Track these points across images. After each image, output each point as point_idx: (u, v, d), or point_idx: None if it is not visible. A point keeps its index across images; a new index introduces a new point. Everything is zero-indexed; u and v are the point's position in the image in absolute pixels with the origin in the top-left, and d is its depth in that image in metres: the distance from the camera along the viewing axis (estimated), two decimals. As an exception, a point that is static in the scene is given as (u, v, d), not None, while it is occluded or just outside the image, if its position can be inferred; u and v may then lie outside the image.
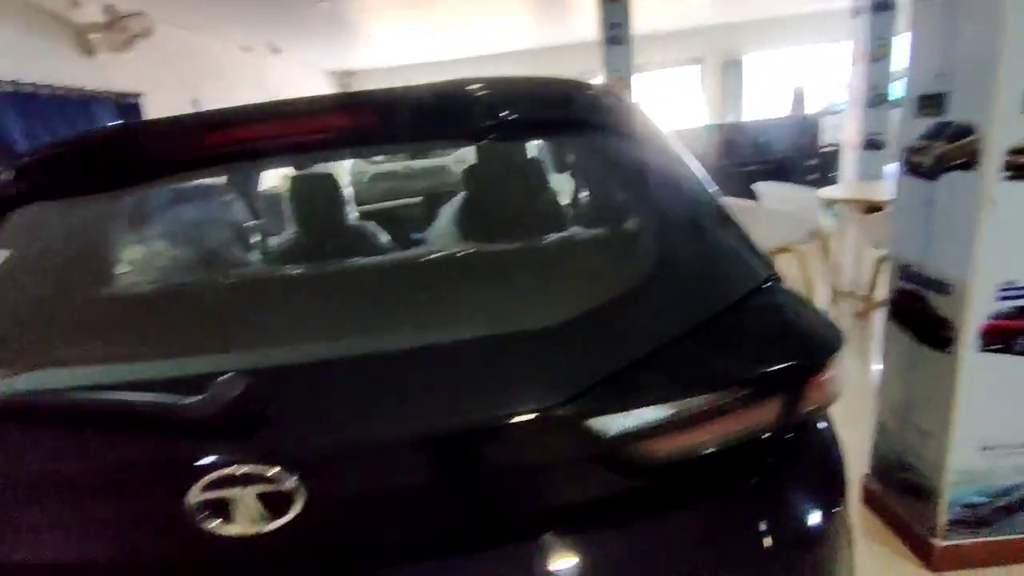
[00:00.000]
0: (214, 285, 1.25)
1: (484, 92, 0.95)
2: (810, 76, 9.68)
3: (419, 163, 5.09)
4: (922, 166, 1.63)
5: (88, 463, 0.71)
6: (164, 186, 1.29)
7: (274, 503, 0.67)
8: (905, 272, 1.75)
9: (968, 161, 1.47)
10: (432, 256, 1.31)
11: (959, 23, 1.46)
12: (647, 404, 0.70)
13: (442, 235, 1.79)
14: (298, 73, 9.04)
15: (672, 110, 10.42)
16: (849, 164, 6.57)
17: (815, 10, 9.46)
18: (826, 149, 7.42)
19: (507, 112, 0.94)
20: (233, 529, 0.67)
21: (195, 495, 0.66)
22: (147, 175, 0.96)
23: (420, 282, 1.09)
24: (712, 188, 0.96)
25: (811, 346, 0.79)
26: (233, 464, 0.66)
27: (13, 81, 3.71)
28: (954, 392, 1.61)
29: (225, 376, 0.68)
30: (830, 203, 4.56)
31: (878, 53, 5.85)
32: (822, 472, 0.85)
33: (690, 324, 0.77)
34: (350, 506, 0.72)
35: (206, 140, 0.92)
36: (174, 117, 0.99)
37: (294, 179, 1.79)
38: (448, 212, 2.02)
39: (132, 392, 0.71)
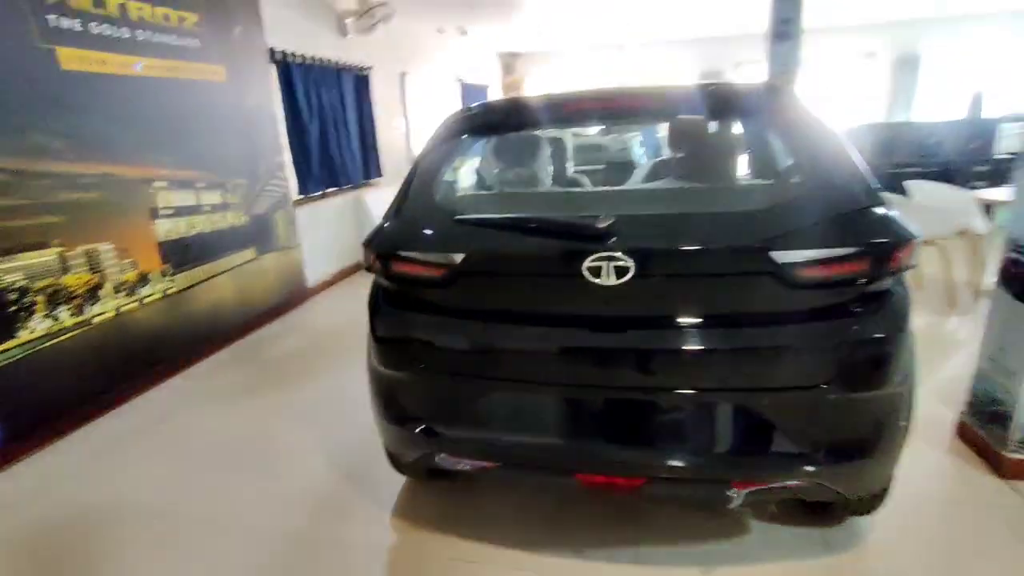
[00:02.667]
0: (562, 185, 2.39)
1: (713, 90, 1.73)
2: (994, 79, 9.06)
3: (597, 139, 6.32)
4: (1036, 161, 2.11)
5: (543, 249, 1.59)
6: (539, 133, 2.28)
7: (620, 271, 1.50)
8: (1015, 245, 2.24)
9: (1070, 158, 1.96)
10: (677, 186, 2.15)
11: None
12: (801, 248, 1.44)
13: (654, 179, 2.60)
14: (473, 52, 10.16)
15: (840, 105, 10.22)
16: None
17: (1009, 8, 8.81)
18: (1001, 156, 7.11)
19: (724, 103, 1.71)
20: (601, 281, 1.52)
21: (586, 264, 1.51)
22: (537, 125, 1.87)
23: (676, 193, 1.95)
24: (850, 150, 1.64)
25: (898, 235, 1.46)
26: (604, 251, 1.50)
27: (301, 55, 5.01)
28: (1038, 337, 2.11)
29: (602, 217, 1.53)
30: (988, 205, 4.68)
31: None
32: (899, 309, 1.53)
33: (832, 215, 1.48)
34: (650, 278, 1.53)
35: (565, 108, 1.78)
36: (549, 94, 1.87)
37: (543, 138, 2.67)
38: (645, 171, 2.81)
39: (564, 220, 1.61)
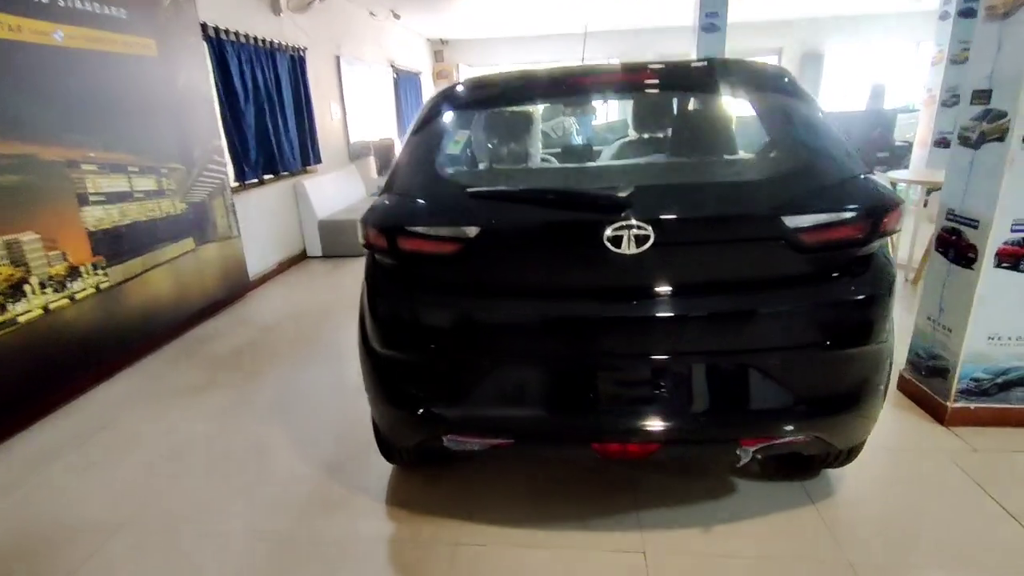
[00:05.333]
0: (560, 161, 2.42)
1: (717, 65, 1.79)
2: (889, 74, 9.98)
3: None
4: (969, 139, 2.35)
5: (563, 220, 1.60)
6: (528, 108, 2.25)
7: (640, 240, 1.52)
8: (950, 214, 2.48)
9: (1000, 136, 2.20)
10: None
11: (1003, 44, 2.18)
12: (808, 213, 1.53)
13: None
14: (405, 37, 9.92)
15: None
16: (918, 159, 7.04)
17: (899, 10, 9.72)
18: (899, 144, 7.86)
19: (725, 79, 1.78)
20: (621, 251, 1.53)
21: (607, 233, 1.52)
22: (539, 98, 1.85)
23: (680, 167, 2.01)
24: (834, 125, 1.77)
25: (890, 199, 1.58)
26: (624, 220, 1.52)
27: (235, 32, 4.69)
28: (972, 297, 2.35)
29: (622, 186, 1.55)
30: (895, 185, 5.16)
31: (959, 56, 6.30)
32: (887, 271, 1.66)
33: (830, 183, 1.59)
34: (668, 246, 1.56)
35: (569, 81, 1.78)
36: (552, 68, 1.86)
37: (534, 114, 2.64)
38: (613, 151, 2.87)
39: (585, 190, 1.63)
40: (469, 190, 1.68)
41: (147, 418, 2.87)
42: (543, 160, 2.75)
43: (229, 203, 4.49)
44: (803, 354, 1.62)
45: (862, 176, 1.64)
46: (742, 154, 2.11)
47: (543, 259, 1.65)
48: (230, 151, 4.67)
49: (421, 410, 1.76)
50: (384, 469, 2.35)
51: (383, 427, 1.98)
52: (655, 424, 1.66)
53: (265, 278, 5.18)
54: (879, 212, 1.56)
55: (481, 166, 2.23)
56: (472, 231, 1.61)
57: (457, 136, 1.89)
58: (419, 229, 1.67)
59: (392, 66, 9.05)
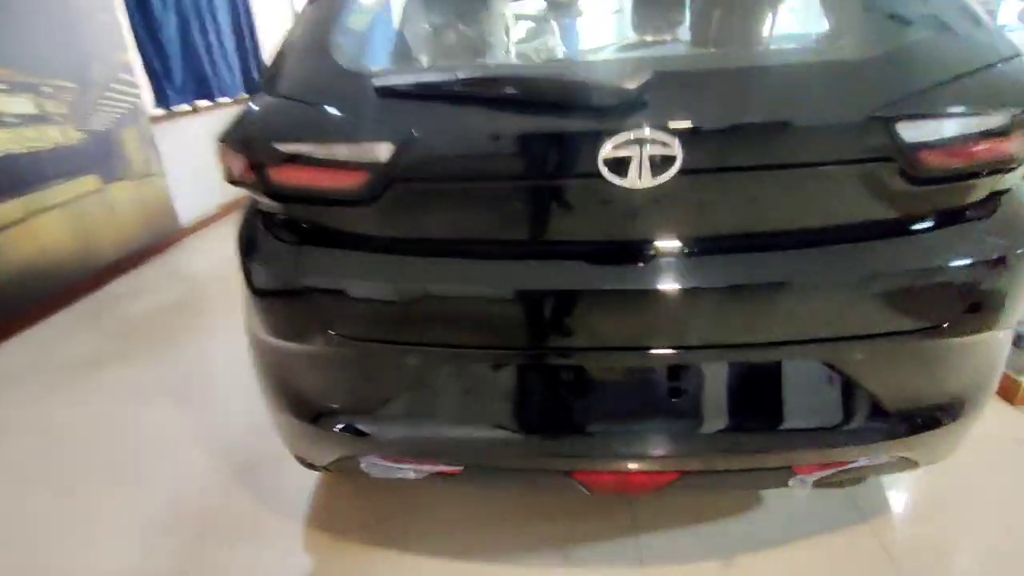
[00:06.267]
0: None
1: None
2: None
3: None
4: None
5: (531, 131, 0.98)
6: None
7: (657, 164, 0.92)
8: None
9: None
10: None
11: None
12: (938, 116, 0.93)
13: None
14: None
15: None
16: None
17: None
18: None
19: None
20: (627, 181, 0.93)
21: (604, 152, 0.91)
22: None
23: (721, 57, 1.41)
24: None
25: None
26: (632, 129, 0.90)
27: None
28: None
29: (631, 74, 0.92)
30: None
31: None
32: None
33: (967, 69, 0.97)
34: (705, 174, 0.97)
35: None
36: None
37: None
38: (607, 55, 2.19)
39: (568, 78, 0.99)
40: (375, 83, 1.04)
41: (21, 403, 2.30)
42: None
43: (146, 133, 3.75)
44: (900, 343, 1.06)
45: (1014, 59, 1.02)
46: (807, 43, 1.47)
47: (500, 197, 1.04)
48: (146, 69, 3.88)
49: (328, 425, 1.20)
50: (306, 473, 1.81)
51: (282, 439, 1.42)
52: (670, 447, 1.11)
53: (202, 224, 4.49)
54: None
55: (415, 59, 1.56)
56: (384, 150, 0.99)
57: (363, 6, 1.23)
58: (302, 148, 1.04)
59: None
